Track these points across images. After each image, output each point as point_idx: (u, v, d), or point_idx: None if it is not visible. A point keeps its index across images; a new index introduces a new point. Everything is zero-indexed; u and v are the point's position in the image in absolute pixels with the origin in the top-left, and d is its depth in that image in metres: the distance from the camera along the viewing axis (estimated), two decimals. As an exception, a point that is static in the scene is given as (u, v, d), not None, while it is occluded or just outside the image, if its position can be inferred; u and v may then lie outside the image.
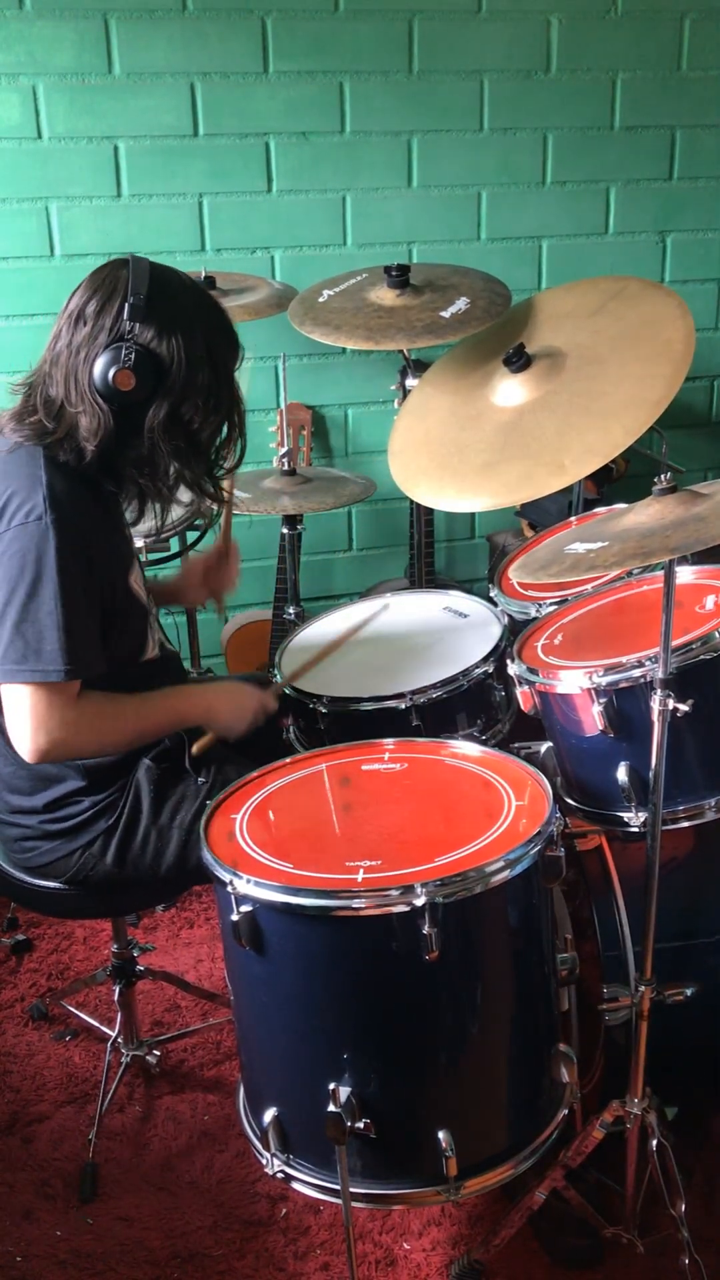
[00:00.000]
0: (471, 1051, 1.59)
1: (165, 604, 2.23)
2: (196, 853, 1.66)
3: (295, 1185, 1.62)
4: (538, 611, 2.16)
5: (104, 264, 1.75)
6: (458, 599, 2.38)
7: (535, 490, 1.84)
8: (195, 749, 1.90)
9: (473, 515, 3.44)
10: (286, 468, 2.74)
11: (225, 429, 1.82)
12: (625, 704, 1.74)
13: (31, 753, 1.74)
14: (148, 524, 1.96)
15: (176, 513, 2.49)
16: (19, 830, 1.93)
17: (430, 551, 2.99)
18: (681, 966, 1.85)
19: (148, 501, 1.85)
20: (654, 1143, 1.74)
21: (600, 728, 1.75)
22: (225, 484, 2.02)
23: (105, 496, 1.81)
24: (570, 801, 1.91)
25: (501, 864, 1.49)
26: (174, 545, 2.77)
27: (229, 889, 1.52)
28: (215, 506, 1.99)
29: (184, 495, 2.25)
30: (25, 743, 1.74)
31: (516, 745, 1.97)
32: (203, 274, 2.62)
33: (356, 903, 1.46)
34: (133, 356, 1.68)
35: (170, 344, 1.70)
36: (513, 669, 1.91)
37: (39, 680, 1.70)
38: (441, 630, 2.26)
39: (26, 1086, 2.26)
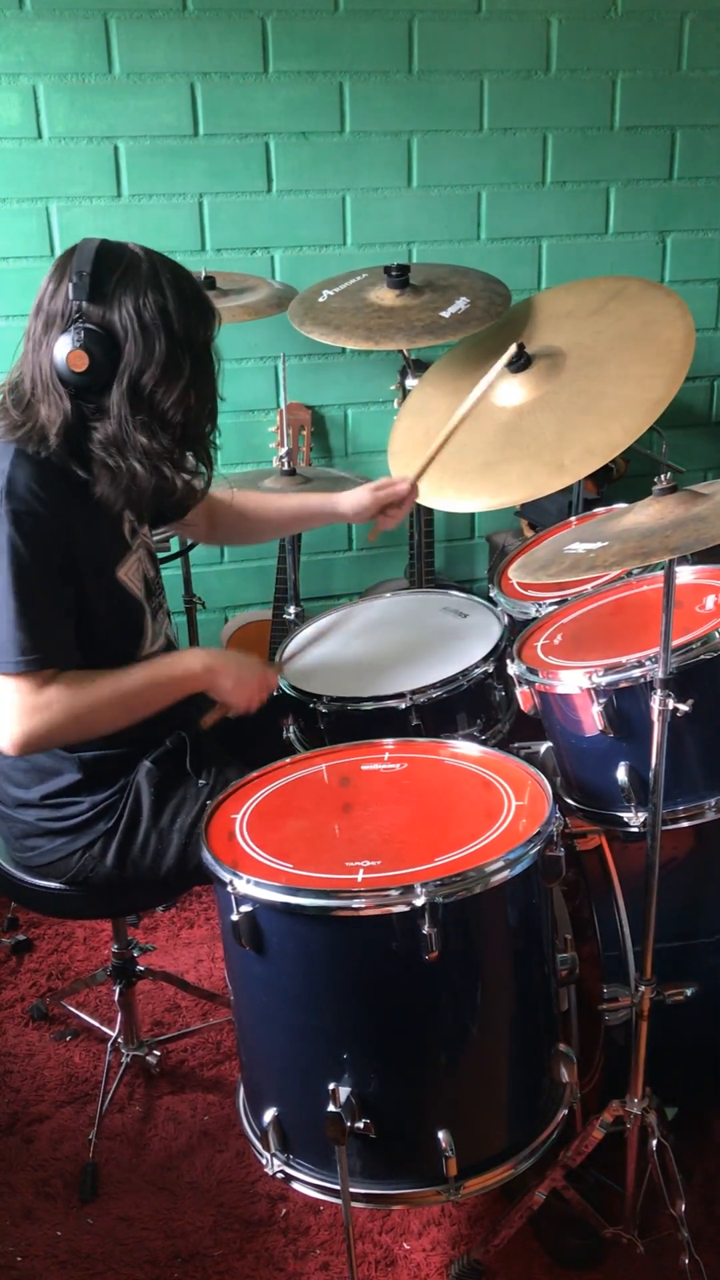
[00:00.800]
0: (471, 1051, 1.59)
1: (319, 523, 2.19)
2: (197, 855, 1.66)
3: (295, 1185, 1.62)
4: (537, 611, 2.16)
5: (63, 251, 1.73)
6: (457, 599, 2.37)
7: (535, 490, 1.85)
8: (204, 721, 1.86)
9: (472, 515, 3.43)
10: (286, 468, 2.74)
11: (194, 399, 1.75)
12: (625, 704, 1.74)
13: (9, 745, 1.72)
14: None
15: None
16: (21, 826, 1.93)
17: (430, 551, 2.99)
18: (681, 966, 1.85)
19: (121, 484, 1.75)
20: (654, 1143, 1.74)
21: (600, 728, 1.75)
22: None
23: (86, 486, 1.77)
24: (570, 801, 1.91)
25: (501, 864, 1.49)
26: (174, 545, 2.78)
27: (229, 889, 1.52)
28: (199, 485, 1.91)
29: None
30: (2, 737, 1.72)
31: (516, 745, 1.97)
32: (203, 274, 2.62)
33: (356, 903, 1.46)
34: (82, 335, 1.66)
35: (120, 316, 1.67)
36: (512, 669, 1.91)
37: (3, 671, 1.69)
38: (441, 630, 2.26)
39: (27, 1086, 2.26)
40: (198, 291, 1.76)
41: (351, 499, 2.16)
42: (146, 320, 1.68)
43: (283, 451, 2.76)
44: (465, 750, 1.82)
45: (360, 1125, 1.51)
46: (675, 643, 1.66)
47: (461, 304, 2.29)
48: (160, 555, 2.69)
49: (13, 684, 1.70)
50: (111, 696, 1.77)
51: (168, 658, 1.89)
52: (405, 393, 2.50)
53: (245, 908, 1.52)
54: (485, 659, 2.07)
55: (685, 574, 2.00)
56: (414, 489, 2.15)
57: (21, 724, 1.70)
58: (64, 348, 1.66)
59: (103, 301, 1.67)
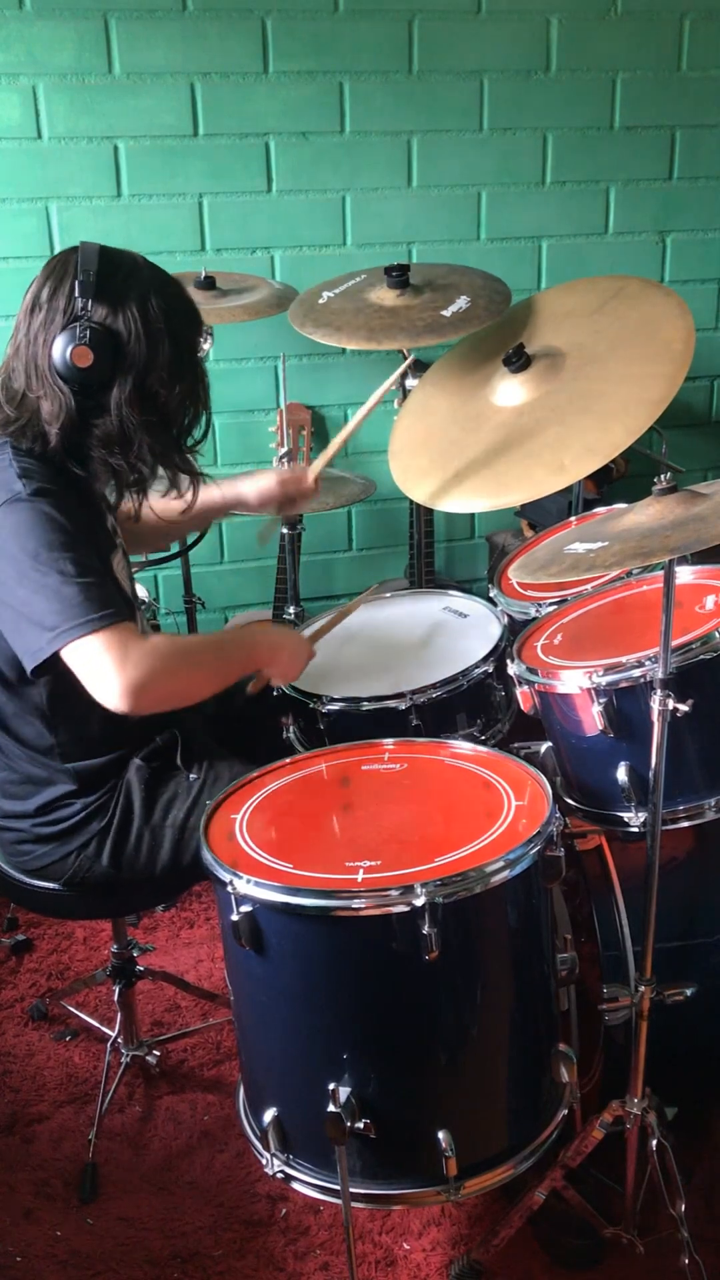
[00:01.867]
0: (471, 1051, 1.59)
1: (223, 512, 2.21)
2: (191, 850, 1.66)
3: (295, 1185, 1.62)
4: (537, 611, 2.16)
5: (57, 254, 1.75)
6: (457, 599, 2.37)
7: (535, 490, 1.84)
8: (251, 688, 1.94)
9: (472, 515, 3.43)
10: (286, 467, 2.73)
11: (190, 402, 1.79)
12: (625, 704, 1.74)
13: (121, 696, 1.64)
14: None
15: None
16: (14, 834, 1.93)
17: (430, 551, 2.99)
18: (681, 966, 1.85)
19: (124, 483, 1.79)
20: (654, 1143, 1.74)
21: (600, 728, 1.75)
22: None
23: (79, 483, 1.78)
24: (570, 801, 1.91)
25: (501, 864, 1.49)
26: (173, 545, 2.77)
27: (229, 889, 1.52)
28: (187, 483, 1.90)
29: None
30: (111, 690, 1.64)
31: (516, 745, 1.97)
32: (202, 274, 2.62)
33: (356, 903, 1.46)
34: (88, 334, 1.67)
35: (125, 318, 1.69)
36: (512, 669, 1.91)
37: (98, 628, 1.63)
38: (441, 630, 2.26)
39: (26, 1087, 2.26)
40: (190, 300, 1.80)
41: (257, 486, 2.18)
42: (151, 324, 1.70)
43: (283, 451, 2.76)
44: (465, 750, 1.82)
45: (360, 1125, 1.51)
46: (675, 643, 1.66)
47: (462, 303, 2.29)
48: (160, 555, 2.70)
49: (105, 639, 1.63)
50: (204, 653, 1.83)
51: (243, 632, 1.95)
52: (405, 393, 2.50)
53: (245, 908, 1.52)
54: (485, 659, 2.07)
55: (685, 574, 2.00)
56: (316, 482, 2.23)
57: (130, 672, 1.63)
58: (67, 344, 1.67)
59: (107, 302, 1.68)
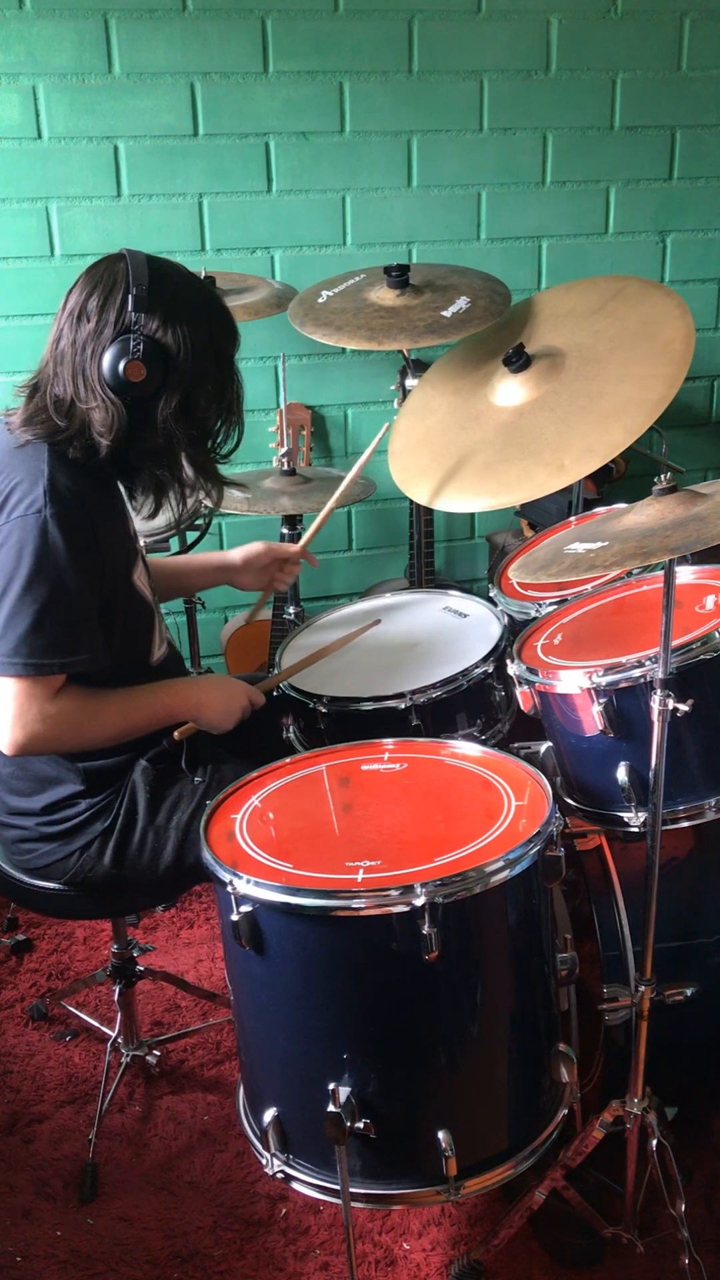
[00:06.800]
0: (471, 1051, 1.59)
1: (210, 584, 2.24)
2: (194, 852, 1.66)
3: (295, 1185, 1.62)
4: (537, 611, 2.16)
5: (99, 260, 1.75)
6: (457, 599, 2.37)
7: (535, 490, 1.85)
8: (176, 735, 1.89)
9: (472, 515, 3.44)
10: (286, 468, 2.74)
11: (226, 415, 1.82)
12: (625, 704, 1.74)
13: (8, 746, 1.74)
14: (164, 518, 1.95)
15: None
16: (17, 832, 1.93)
17: (430, 551, 2.99)
18: (681, 966, 1.85)
19: (165, 494, 1.84)
20: (654, 1143, 1.74)
21: (600, 728, 1.75)
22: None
23: (111, 493, 1.80)
24: (570, 801, 1.91)
25: (501, 864, 1.49)
26: (174, 545, 2.77)
27: (229, 889, 1.52)
28: (214, 495, 1.98)
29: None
30: (2, 736, 1.74)
31: (516, 745, 1.97)
32: (203, 274, 2.61)
33: (356, 903, 1.46)
34: (141, 347, 1.68)
35: (176, 333, 1.70)
36: (512, 669, 1.91)
37: (22, 674, 1.69)
38: (441, 630, 2.26)
39: (26, 1086, 2.26)
40: (229, 312, 1.82)
41: (244, 549, 2.22)
42: (200, 340, 1.72)
43: (282, 451, 2.77)
44: (465, 750, 1.82)
45: (360, 1125, 1.51)
46: (675, 643, 1.66)
47: (462, 303, 2.29)
48: (160, 556, 2.70)
49: (28, 687, 1.71)
50: (117, 717, 1.82)
51: (168, 687, 1.91)
52: (405, 393, 2.50)
53: (245, 908, 1.52)
54: (485, 659, 2.06)
55: (685, 574, 2.00)
56: (303, 550, 2.26)
57: (28, 728, 1.73)
58: (119, 357, 1.68)
59: (159, 317, 1.70)
